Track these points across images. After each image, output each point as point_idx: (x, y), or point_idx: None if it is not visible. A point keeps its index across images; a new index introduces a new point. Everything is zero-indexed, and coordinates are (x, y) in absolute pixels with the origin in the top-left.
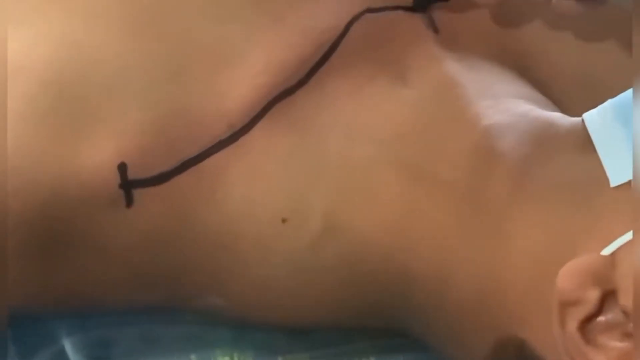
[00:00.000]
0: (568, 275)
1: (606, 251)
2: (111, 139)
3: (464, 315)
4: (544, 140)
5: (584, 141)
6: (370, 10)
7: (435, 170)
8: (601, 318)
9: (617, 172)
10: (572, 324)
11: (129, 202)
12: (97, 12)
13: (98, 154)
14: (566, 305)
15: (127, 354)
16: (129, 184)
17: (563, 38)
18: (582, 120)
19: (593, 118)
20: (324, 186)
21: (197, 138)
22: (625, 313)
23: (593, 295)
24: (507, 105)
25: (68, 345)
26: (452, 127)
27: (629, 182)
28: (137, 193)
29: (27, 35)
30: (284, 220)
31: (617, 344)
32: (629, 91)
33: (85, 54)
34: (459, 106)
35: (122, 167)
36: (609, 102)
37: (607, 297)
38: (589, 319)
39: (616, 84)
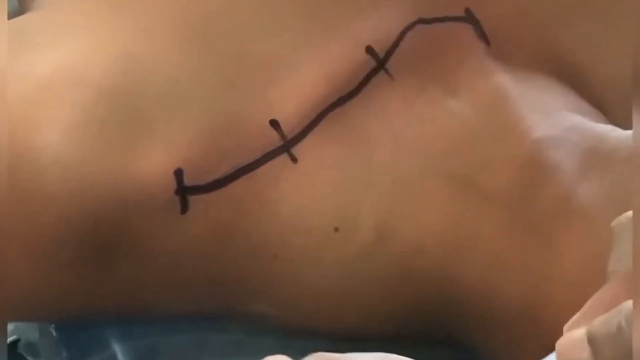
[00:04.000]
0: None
1: None
2: (166, 146)
3: (511, 326)
4: (595, 155)
5: (633, 154)
6: (422, 20)
7: (484, 182)
8: None
9: None
10: None
11: (184, 208)
12: (151, 24)
13: (153, 161)
14: None
15: None
16: (184, 190)
17: (613, 43)
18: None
19: None
20: (374, 196)
21: (249, 147)
22: None
23: None
24: (557, 119)
25: (117, 352)
26: (502, 139)
27: None
28: (192, 200)
29: (84, 46)
30: (336, 229)
31: None
32: None
33: (140, 65)
34: (508, 119)
35: (179, 173)
36: None
37: None
38: None
39: None
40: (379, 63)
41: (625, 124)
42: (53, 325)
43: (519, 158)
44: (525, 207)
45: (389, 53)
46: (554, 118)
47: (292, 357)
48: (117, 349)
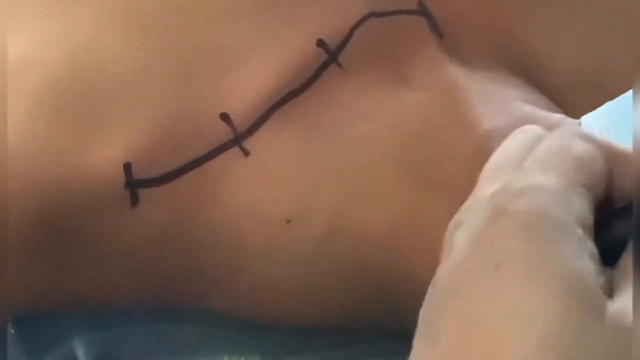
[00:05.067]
0: None
1: None
2: (116, 139)
3: None
4: None
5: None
6: (374, 14)
7: (437, 173)
8: None
9: None
10: None
11: (134, 201)
12: (106, 15)
13: (104, 153)
14: None
15: (136, 355)
16: (133, 183)
17: (570, 33)
18: (580, 123)
19: (590, 121)
20: (328, 187)
21: (202, 140)
22: None
23: None
24: (508, 109)
25: (77, 345)
26: (453, 130)
27: None
28: (142, 193)
29: (35, 37)
30: (288, 221)
31: None
32: (624, 96)
33: (93, 56)
34: (460, 110)
35: (127, 166)
36: (605, 106)
37: None
38: None
39: (621, 86)
40: (330, 56)
41: (577, 114)
42: (9, 320)
43: (471, 149)
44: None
45: (341, 46)
46: (506, 108)
47: (252, 352)
48: (77, 342)
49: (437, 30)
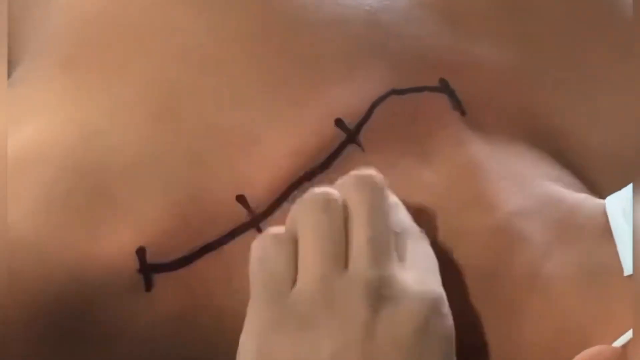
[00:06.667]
0: None
1: (618, 343)
2: (130, 224)
3: None
4: (566, 226)
5: (605, 226)
6: (395, 91)
7: (455, 253)
8: None
9: (630, 261)
10: None
11: (149, 286)
12: (116, 101)
13: (116, 239)
14: None
15: None
16: (148, 269)
17: (594, 111)
18: (605, 204)
19: (613, 201)
20: None
21: (217, 223)
22: None
23: None
24: (531, 189)
25: None
26: (472, 210)
27: None
28: (157, 277)
29: (46, 124)
30: None
31: None
32: None
33: (104, 142)
34: (481, 190)
35: (141, 252)
36: (630, 185)
37: None
38: None
39: None
40: (349, 136)
41: (603, 191)
42: None
43: (490, 230)
44: (494, 279)
45: (360, 125)
46: (528, 188)
47: None
48: None
49: (459, 107)
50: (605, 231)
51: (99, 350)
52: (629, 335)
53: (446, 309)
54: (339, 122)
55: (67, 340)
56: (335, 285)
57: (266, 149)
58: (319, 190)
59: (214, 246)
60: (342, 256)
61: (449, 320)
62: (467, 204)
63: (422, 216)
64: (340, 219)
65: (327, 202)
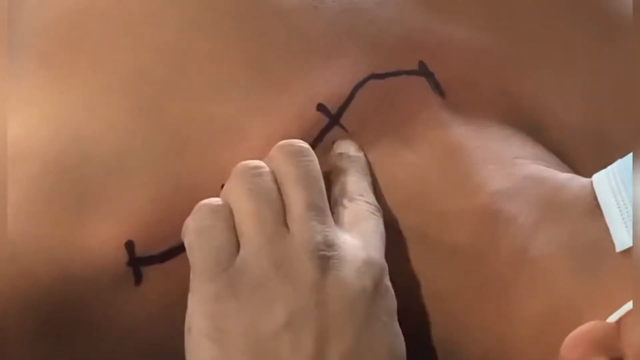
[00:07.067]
0: (572, 344)
1: (612, 318)
2: (116, 217)
3: None
4: (552, 205)
5: (592, 204)
6: (375, 75)
7: (440, 235)
8: None
9: (623, 237)
10: None
11: (138, 279)
12: (96, 95)
13: (103, 233)
14: None
15: None
16: (137, 261)
17: (570, 90)
18: (592, 182)
19: (601, 179)
20: None
21: None
22: None
23: None
24: (514, 169)
25: None
26: (457, 192)
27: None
28: (146, 270)
29: (28, 119)
30: None
31: None
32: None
33: (86, 135)
34: (463, 172)
35: (130, 245)
36: (616, 163)
37: None
38: None
39: (627, 140)
40: (331, 120)
41: (582, 169)
42: None
43: (475, 211)
44: (481, 259)
45: (342, 109)
46: (510, 168)
47: None
48: None
49: (438, 89)
50: (593, 208)
51: (90, 343)
52: (623, 310)
53: (389, 282)
54: (321, 107)
55: (57, 336)
56: (280, 249)
57: (250, 138)
58: (248, 161)
59: None
60: (281, 220)
61: (392, 292)
62: (451, 186)
63: (406, 198)
64: (273, 184)
65: (257, 168)
